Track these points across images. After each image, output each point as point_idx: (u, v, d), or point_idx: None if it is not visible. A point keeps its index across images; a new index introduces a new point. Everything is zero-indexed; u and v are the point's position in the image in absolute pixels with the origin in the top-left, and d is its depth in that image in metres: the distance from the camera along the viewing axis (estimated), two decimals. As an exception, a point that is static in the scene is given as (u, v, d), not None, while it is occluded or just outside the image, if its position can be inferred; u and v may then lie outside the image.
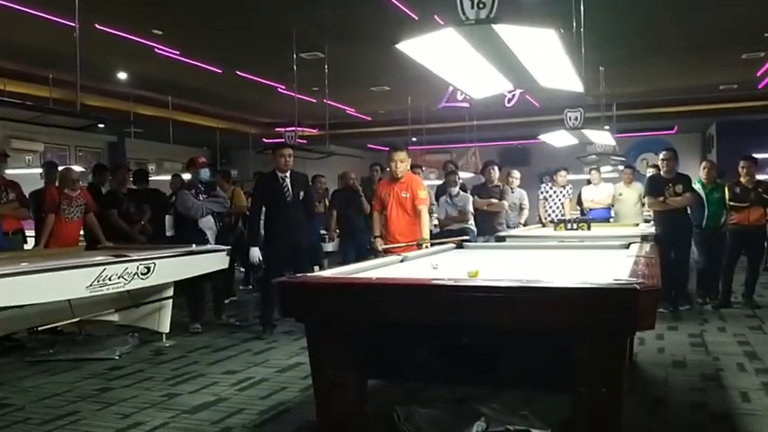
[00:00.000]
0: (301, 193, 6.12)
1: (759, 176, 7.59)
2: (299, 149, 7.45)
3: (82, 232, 6.82)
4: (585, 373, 2.35)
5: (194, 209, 6.46)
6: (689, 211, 7.21)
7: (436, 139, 15.11)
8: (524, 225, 8.54)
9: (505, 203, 8.04)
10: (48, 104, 8.48)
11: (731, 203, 7.15)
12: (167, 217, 7.84)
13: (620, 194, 8.80)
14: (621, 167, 9.69)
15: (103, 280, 4.76)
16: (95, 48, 7.56)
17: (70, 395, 4.31)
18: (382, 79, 10.87)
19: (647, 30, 8.30)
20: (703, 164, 7.66)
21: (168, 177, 11.17)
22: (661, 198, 6.99)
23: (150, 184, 8.47)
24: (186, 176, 8.06)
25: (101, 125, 11.02)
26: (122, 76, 10.13)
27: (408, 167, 5.70)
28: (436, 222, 7.89)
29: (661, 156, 7.29)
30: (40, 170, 8.21)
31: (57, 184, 6.71)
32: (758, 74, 10.88)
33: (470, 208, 7.63)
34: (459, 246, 5.17)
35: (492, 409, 3.44)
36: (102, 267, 4.77)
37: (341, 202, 8.25)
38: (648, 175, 8.34)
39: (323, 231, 8.63)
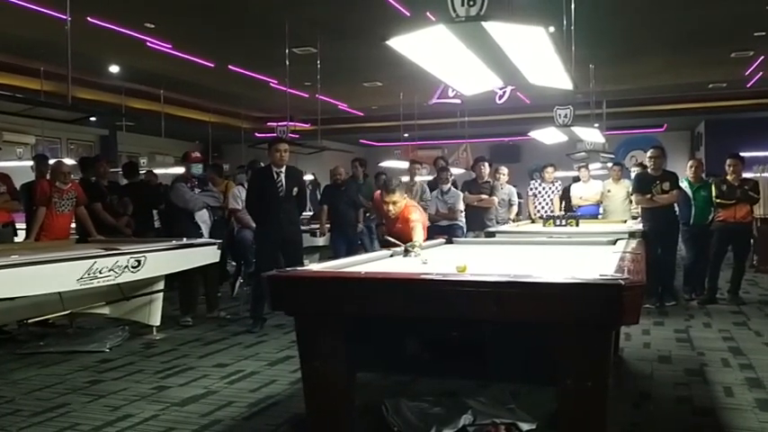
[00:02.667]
0: (295, 189, 6.14)
1: (745, 174, 7.67)
2: (292, 144, 7.46)
3: (73, 225, 6.81)
4: (571, 367, 2.39)
5: (192, 201, 6.48)
6: (676, 209, 7.29)
7: (428, 134, 15.15)
8: (514, 221, 8.59)
9: (495, 199, 8.08)
10: (39, 97, 8.46)
11: (718, 201, 7.23)
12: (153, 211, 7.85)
13: (609, 191, 8.88)
14: (610, 165, 9.76)
15: (94, 273, 4.77)
16: (87, 40, 7.55)
17: (60, 387, 4.33)
18: (374, 75, 10.88)
19: (637, 28, 8.36)
20: (690, 162, 7.75)
21: (161, 171, 11.19)
22: (648, 195, 7.06)
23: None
24: (164, 171, 8.07)
25: (92, 118, 10.97)
26: (114, 69, 10.09)
27: (403, 205, 4.81)
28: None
29: (649, 153, 7.36)
30: (32, 163, 8.18)
31: (48, 176, 6.70)
32: (747, 72, 10.97)
33: (460, 206, 7.66)
34: (449, 241, 5.22)
35: (479, 402, 3.48)
36: (93, 260, 4.78)
37: (331, 196, 8.28)
38: (633, 173, 8.43)
39: (314, 226, 8.67)
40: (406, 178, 8.88)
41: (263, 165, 6.76)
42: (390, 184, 4.59)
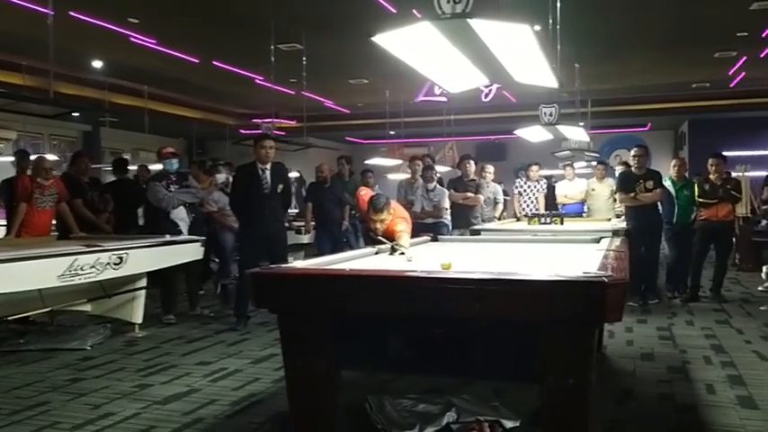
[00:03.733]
0: (280, 186, 6.11)
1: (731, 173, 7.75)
2: (277, 141, 7.42)
3: (54, 222, 6.73)
4: (554, 364, 2.39)
5: (165, 200, 6.42)
6: (659, 207, 7.34)
7: (414, 132, 15.14)
8: (499, 219, 8.60)
9: (481, 197, 8.09)
10: (21, 92, 8.36)
11: (700, 200, 7.29)
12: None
13: (593, 190, 8.94)
14: (595, 163, 9.82)
15: (75, 270, 4.72)
16: (70, 35, 7.47)
17: (40, 385, 4.28)
18: (360, 72, 10.85)
19: (623, 27, 8.40)
20: (673, 162, 7.82)
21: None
22: (632, 194, 7.10)
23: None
24: (156, 167, 8.03)
25: (75, 114, 10.89)
26: (97, 64, 9.99)
27: (390, 220, 4.64)
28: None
29: (632, 152, 7.41)
30: (13, 158, 8.08)
31: (29, 172, 6.61)
32: (730, 73, 11.06)
33: (446, 204, 7.66)
34: (435, 239, 5.21)
35: (463, 399, 3.49)
36: (74, 257, 4.74)
37: (316, 194, 8.26)
38: (617, 171, 8.48)
39: (299, 223, 8.65)
40: (406, 175, 8.87)
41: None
42: (378, 203, 4.54)
